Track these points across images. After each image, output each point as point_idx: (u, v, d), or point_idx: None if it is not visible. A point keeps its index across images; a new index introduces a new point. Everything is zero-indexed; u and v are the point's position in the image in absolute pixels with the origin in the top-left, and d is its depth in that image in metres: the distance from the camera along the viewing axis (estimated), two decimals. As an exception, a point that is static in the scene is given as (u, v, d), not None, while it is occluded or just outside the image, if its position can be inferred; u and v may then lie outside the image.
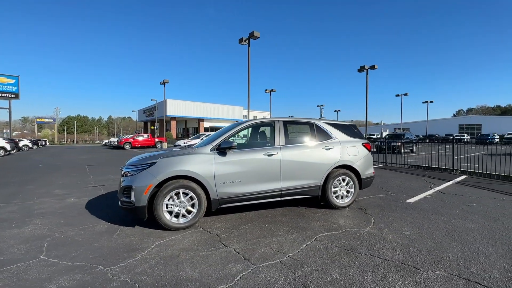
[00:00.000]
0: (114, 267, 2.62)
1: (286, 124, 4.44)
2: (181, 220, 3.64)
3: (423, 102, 48.04)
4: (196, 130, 46.94)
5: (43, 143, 37.60)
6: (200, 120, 44.35)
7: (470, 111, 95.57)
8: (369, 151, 4.91)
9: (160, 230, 3.59)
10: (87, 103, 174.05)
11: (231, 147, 3.82)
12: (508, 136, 31.71)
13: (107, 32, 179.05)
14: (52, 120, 65.62)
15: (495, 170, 8.09)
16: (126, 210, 3.69)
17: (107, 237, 3.41)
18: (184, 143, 16.07)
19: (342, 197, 4.57)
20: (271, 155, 4.10)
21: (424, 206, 4.72)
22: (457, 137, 37.50)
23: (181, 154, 3.75)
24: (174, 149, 4.68)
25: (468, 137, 35.04)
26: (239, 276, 2.43)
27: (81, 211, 4.62)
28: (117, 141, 29.49)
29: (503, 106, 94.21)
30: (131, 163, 3.84)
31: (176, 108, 40.62)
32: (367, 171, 4.82)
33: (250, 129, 4.25)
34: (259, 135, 4.30)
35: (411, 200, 5.11)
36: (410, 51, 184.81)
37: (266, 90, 34.28)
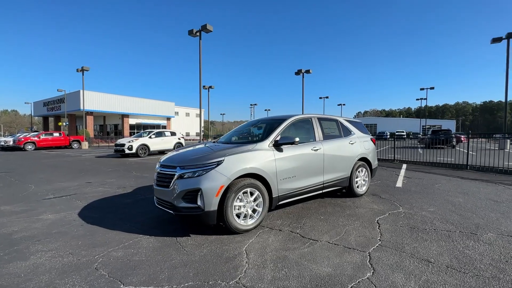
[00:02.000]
0: (237, 279, 2.30)
1: (320, 120, 4.68)
2: (249, 222, 3.39)
3: (338, 105, 56.43)
4: (118, 127, 41.19)
5: None
6: (124, 116, 39.09)
7: (366, 113, 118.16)
8: (374, 144, 5.67)
9: (225, 235, 3.26)
10: None
11: (293, 143, 3.78)
12: (397, 133, 41.57)
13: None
14: None
15: (417, 158, 10.56)
16: (189, 217, 3.18)
17: (175, 251, 2.87)
18: (129, 142, 14.02)
19: (360, 186, 5.14)
20: (316, 149, 4.26)
21: (412, 188, 5.81)
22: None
23: (244, 151, 3.47)
24: (205, 145, 4.25)
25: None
26: (368, 263, 2.54)
27: (88, 228, 3.63)
28: (13, 140, 22.94)
29: (387, 110, 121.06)
30: (187, 163, 3.28)
31: (93, 101, 34.50)
32: (375, 162, 5.58)
33: (291, 125, 4.26)
34: (297, 131, 4.36)
35: (398, 185, 6.19)
36: (332, 56, 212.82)
37: (204, 87, 33.22)
